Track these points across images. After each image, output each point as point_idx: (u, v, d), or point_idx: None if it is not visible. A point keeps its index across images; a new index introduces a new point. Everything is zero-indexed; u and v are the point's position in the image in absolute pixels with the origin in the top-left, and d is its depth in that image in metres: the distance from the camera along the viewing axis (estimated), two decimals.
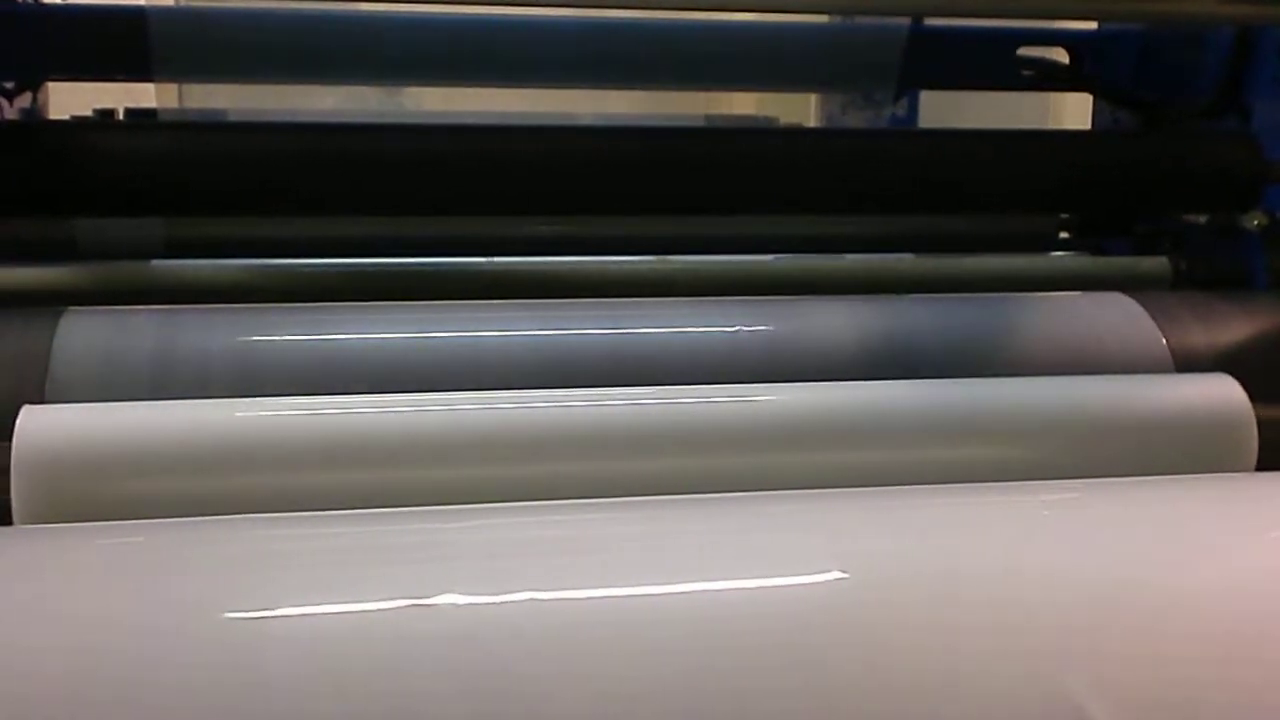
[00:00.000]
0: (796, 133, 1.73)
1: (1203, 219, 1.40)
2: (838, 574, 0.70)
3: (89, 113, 1.55)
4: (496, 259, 1.31)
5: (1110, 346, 1.10)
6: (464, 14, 1.51)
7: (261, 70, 1.55)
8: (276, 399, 0.89)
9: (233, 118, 1.59)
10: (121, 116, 1.58)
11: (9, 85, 1.51)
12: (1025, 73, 1.64)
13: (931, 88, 1.79)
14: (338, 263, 1.28)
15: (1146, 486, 0.84)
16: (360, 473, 0.86)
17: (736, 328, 1.07)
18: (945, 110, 1.90)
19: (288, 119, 1.42)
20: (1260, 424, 0.95)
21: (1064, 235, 1.57)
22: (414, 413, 0.89)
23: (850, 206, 1.33)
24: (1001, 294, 1.21)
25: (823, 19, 1.63)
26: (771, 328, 1.07)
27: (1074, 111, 1.86)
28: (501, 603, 0.66)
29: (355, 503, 0.79)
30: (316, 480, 0.85)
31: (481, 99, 1.85)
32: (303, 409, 0.88)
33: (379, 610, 0.66)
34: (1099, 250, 1.54)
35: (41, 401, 0.90)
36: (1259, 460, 0.95)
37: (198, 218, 1.35)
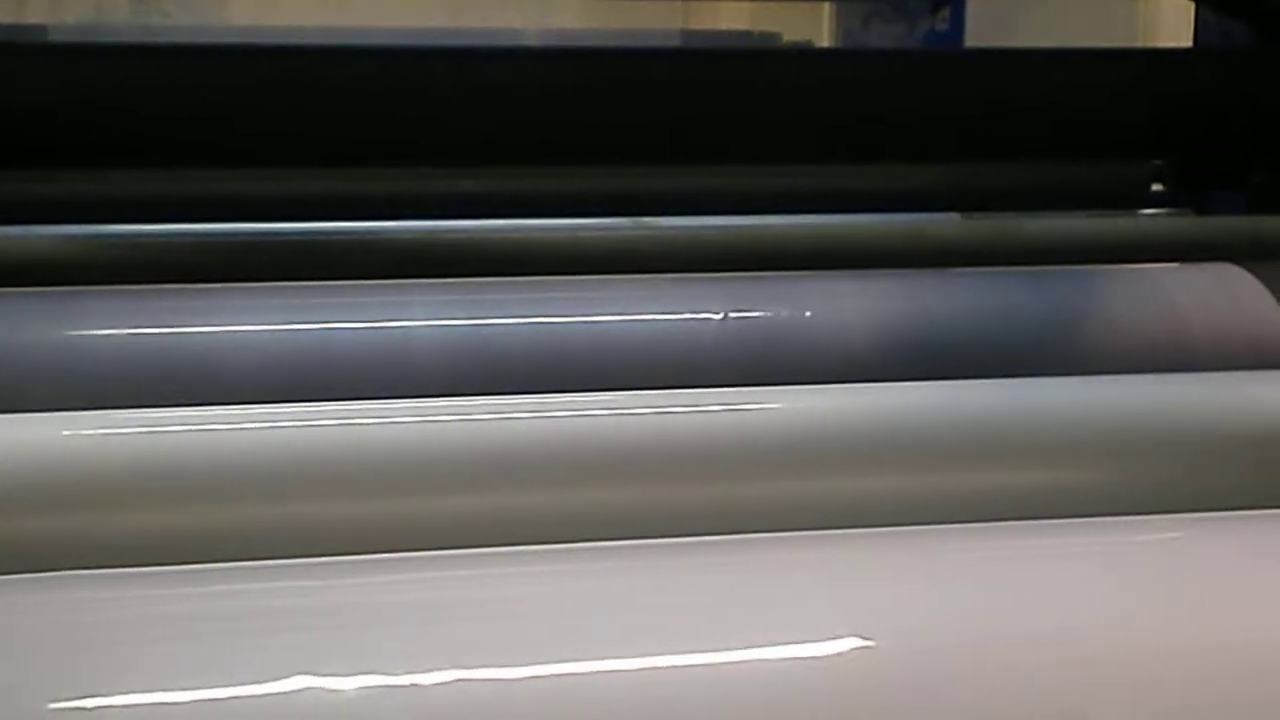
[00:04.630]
0: (803, 54, 1.74)
1: None
2: (856, 642, 0.71)
3: None
4: (407, 224, 1.31)
5: (1217, 334, 1.11)
6: None
7: None
8: (114, 413, 0.89)
9: (53, 37, 1.58)
10: None
11: None
12: None
13: None
14: (193, 229, 1.28)
15: (1267, 524, 0.85)
16: (226, 509, 0.87)
17: (723, 312, 1.08)
18: (1000, 22, 1.91)
19: (115, 39, 1.41)
20: None
21: (1158, 188, 1.59)
22: (297, 428, 0.89)
23: (873, 152, 1.34)
24: (1073, 266, 1.22)
25: None
26: (769, 312, 1.08)
27: (1171, 23, 1.87)
28: (407, 686, 0.67)
29: (222, 550, 0.79)
30: (171, 519, 0.86)
31: (386, 7, 1.86)
32: (148, 425, 0.88)
33: (250, 696, 0.66)
34: (1204, 208, 1.56)
35: None
36: None
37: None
